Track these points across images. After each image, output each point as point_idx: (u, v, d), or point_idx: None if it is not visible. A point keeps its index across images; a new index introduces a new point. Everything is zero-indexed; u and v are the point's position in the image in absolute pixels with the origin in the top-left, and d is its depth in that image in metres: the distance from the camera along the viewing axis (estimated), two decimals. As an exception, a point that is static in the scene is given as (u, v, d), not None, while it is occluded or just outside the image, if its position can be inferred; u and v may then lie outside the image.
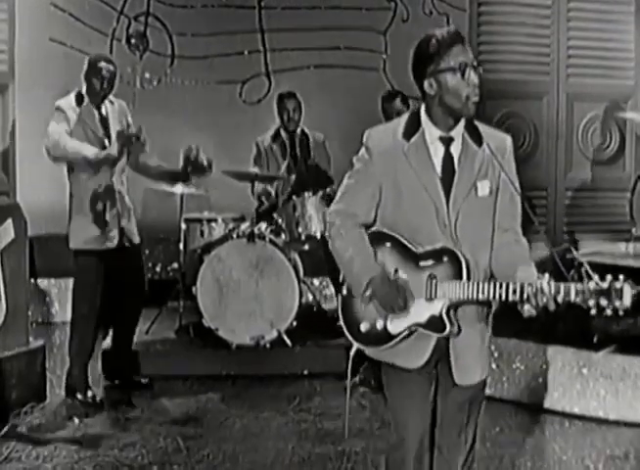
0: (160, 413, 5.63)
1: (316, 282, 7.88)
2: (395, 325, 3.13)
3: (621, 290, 2.82)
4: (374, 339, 3.17)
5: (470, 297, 3.04)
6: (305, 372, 6.36)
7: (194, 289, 6.47)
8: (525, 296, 2.93)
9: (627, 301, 2.82)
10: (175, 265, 7.70)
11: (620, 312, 2.83)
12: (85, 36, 8.09)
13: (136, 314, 6.04)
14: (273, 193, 6.99)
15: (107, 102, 5.77)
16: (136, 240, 5.88)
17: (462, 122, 3.13)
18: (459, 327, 3.11)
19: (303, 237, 6.70)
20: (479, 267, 3.13)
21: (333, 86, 8.43)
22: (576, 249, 8.03)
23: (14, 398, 5.44)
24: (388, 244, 3.15)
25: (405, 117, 3.20)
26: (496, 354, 5.80)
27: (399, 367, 3.19)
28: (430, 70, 3.06)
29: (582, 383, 5.55)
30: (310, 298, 7.38)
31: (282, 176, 7.08)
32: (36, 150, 6.53)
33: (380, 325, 3.15)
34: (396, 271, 3.14)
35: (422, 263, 3.11)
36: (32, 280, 7.22)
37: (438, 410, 3.26)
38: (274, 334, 6.41)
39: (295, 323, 6.44)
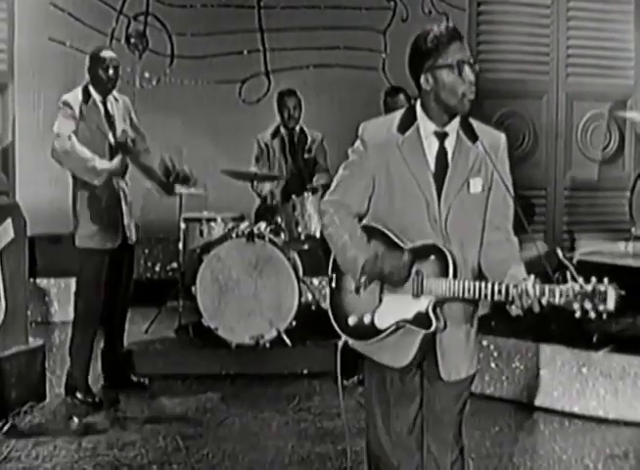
0: (160, 413, 5.63)
1: (316, 281, 7.88)
2: (383, 320, 3.14)
3: (605, 293, 2.75)
4: (361, 332, 3.18)
5: (456, 294, 3.04)
6: (305, 372, 6.36)
7: (193, 288, 6.48)
8: (509, 297, 2.93)
9: (611, 304, 2.75)
10: (175, 265, 7.69)
11: (604, 316, 2.77)
12: (84, 36, 8.10)
13: (125, 313, 6.03)
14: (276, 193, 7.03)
15: (112, 98, 5.77)
16: (134, 238, 5.88)
17: (457, 119, 3.14)
18: (445, 323, 3.12)
19: (303, 236, 6.70)
20: (467, 264, 3.14)
21: (332, 86, 8.44)
22: (574, 247, 8.04)
23: (13, 397, 5.44)
24: (377, 238, 3.16)
25: (401, 111, 3.22)
26: (495, 354, 5.80)
27: (385, 365, 3.20)
28: (427, 65, 3.07)
29: (582, 382, 5.55)
30: (310, 297, 7.38)
31: (281, 176, 7.09)
32: (36, 149, 6.57)
33: (367, 319, 3.16)
34: None
35: (408, 258, 3.09)
36: (32, 280, 7.22)
37: (425, 409, 3.26)
38: (273, 333, 6.41)
39: (294, 323, 6.45)
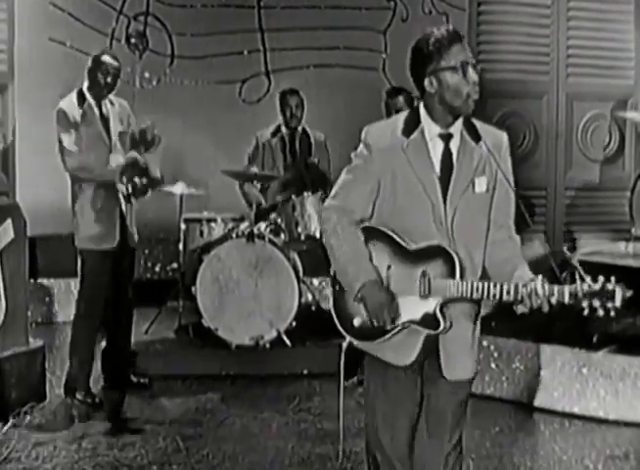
0: (160, 413, 5.63)
1: (316, 282, 7.88)
2: None
3: (613, 291, 2.90)
4: (366, 333, 3.19)
5: (464, 295, 3.07)
6: (305, 372, 6.36)
7: (193, 289, 6.48)
8: (519, 297, 2.98)
9: (618, 302, 2.90)
10: (175, 265, 7.70)
11: (612, 313, 2.92)
12: (85, 36, 8.09)
13: (130, 313, 6.03)
14: (263, 200, 7.01)
15: (107, 102, 5.77)
16: (135, 240, 5.88)
17: (460, 120, 3.17)
18: (451, 323, 3.14)
19: (303, 237, 6.69)
20: (473, 264, 3.16)
21: (332, 86, 8.43)
22: (574, 247, 8.03)
23: (13, 397, 5.44)
24: (382, 240, 3.17)
25: (404, 114, 3.24)
26: (496, 354, 5.80)
27: (388, 363, 3.20)
28: (429, 68, 3.09)
29: (582, 383, 5.55)
30: (310, 297, 7.37)
31: (279, 176, 7.08)
32: (36, 150, 6.57)
33: None
34: (389, 267, 3.15)
35: (414, 260, 3.12)
36: (32, 280, 7.22)
37: (425, 409, 3.26)
38: (273, 334, 6.41)
39: (294, 323, 6.45)
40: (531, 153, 8.96)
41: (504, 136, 3.25)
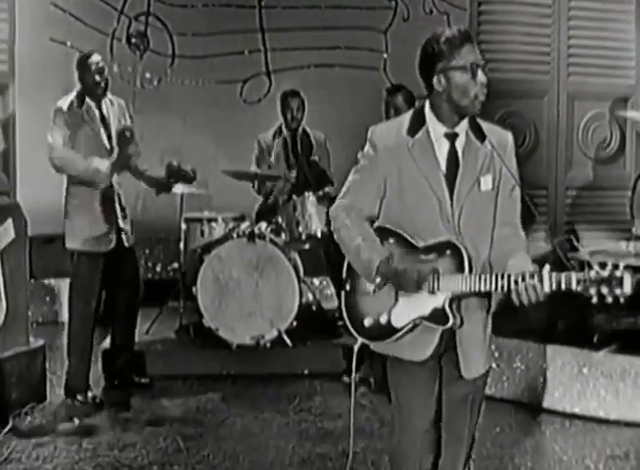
0: (160, 413, 5.63)
1: (316, 282, 7.88)
2: (399, 318, 3.16)
3: (622, 278, 2.87)
4: (378, 333, 3.21)
5: (472, 289, 3.08)
6: (305, 372, 6.36)
7: (194, 289, 6.48)
8: (526, 286, 2.96)
9: (628, 288, 2.88)
10: (175, 265, 7.70)
11: (621, 300, 2.89)
12: (86, 36, 8.08)
13: (134, 315, 6.03)
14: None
15: (107, 101, 5.77)
16: (131, 241, 5.87)
17: (466, 119, 3.19)
18: (462, 319, 3.15)
19: (304, 236, 6.70)
20: (480, 261, 3.18)
21: (333, 86, 8.43)
22: (577, 240, 8.03)
23: (14, 398, 5.44)
24: (391, 239, 3.20)
25: (409, 113, 3.26)
26: (497, 354, 5.79)
27: (406, 360, 3.22)
28: (439, 66, 3.11)
29: (583, 383, 5.55)
30: (310, 297, 7.37)
31: (282, 176, 7.08)
32: (37, 150, 6.53)
33: (384, 319, 3.18)
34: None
35: (424, 257, 3.14)
36: (32, 280, 7.21)
37: (444, 404, 3.28)
38: (274, 334, 6.41)
39: (295, 323, 6.45)
40: (532, 152, 8.95)
41: (509, 135, 3.28)
